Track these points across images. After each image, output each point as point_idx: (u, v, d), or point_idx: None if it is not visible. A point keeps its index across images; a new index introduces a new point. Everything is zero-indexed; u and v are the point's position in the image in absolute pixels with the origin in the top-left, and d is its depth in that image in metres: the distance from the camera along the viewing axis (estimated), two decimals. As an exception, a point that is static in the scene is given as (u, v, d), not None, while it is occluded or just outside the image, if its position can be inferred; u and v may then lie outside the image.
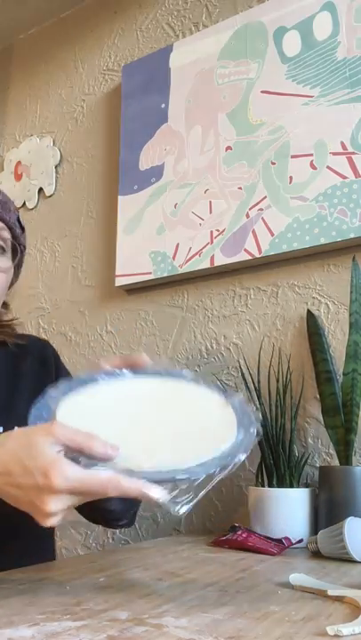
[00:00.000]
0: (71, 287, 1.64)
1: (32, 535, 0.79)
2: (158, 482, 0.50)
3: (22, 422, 0.85)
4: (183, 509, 0.51)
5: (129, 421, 0.60)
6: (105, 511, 0.81)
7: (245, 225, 1.29)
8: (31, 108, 1.91)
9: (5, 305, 0.91)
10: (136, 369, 0.67)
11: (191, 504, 0.51)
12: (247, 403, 0.63)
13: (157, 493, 0.49)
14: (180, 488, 0.51)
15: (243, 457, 0.53)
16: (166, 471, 0.51)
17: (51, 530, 0.91)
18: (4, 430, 0.83)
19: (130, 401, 0.64)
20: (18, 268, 0.89)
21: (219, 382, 1.30)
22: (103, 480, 0.49)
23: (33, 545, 0.83)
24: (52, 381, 0.94)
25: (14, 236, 0.84)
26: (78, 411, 0.59)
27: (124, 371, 0.67)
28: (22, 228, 0.87)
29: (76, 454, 0.50)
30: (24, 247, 0.87)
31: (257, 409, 1.11)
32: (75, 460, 0.50)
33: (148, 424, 0.60)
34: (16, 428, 0.83)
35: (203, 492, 0.52)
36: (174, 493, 0.51)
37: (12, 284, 0.89)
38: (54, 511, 0.48)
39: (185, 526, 1.28)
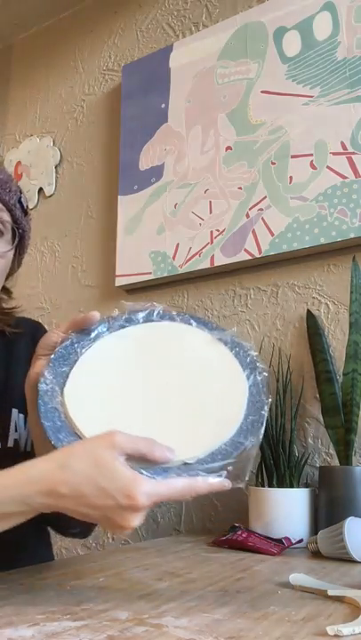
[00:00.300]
0: (71, 287, 1.64)
1: (28, 532, 0.79)
2: (215, 463, 0.52)
3: (19, 403, 0.83)
4: (243, 483, 0.53)
5: (142, 398, 0.59)
6: (54, 518, 0.81)
7: (245, 225, 1.29)
8: (31, 107, 1.91)
9: (7, 291, 0.88)
10: (86, 327, 0.66)
11: (247, 475, 0.53)
12: (239, 338, 0.64)
13: (224, 483, 0.52)
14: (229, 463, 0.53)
15: (267, 406, 0.56)
16: (217, 451, 0.53)
17: (39, 535, 0.90)
18: (1, 413, 0.82)
19: (125, 367, 0.62)
20: (19, 253, 0.85)
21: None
22: (180, 489, 0.50)
23: (29, 542, 0.82)
24: None
25: (14, 219, 0.80)
26: (88, 403, 0.58)
27: (97, 329, 0.65)
28: (25, 211, 0.83)
29: (136, 462, 0.50)
30: (24, 231, 0.83)
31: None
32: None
33: (159, 394, 0.59)
34: (13, 410, 0.82)
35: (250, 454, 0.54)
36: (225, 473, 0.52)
37: (13, 272, 0.86)
38: (135, 525, 0.49)
39: (185, 526, 1.28)
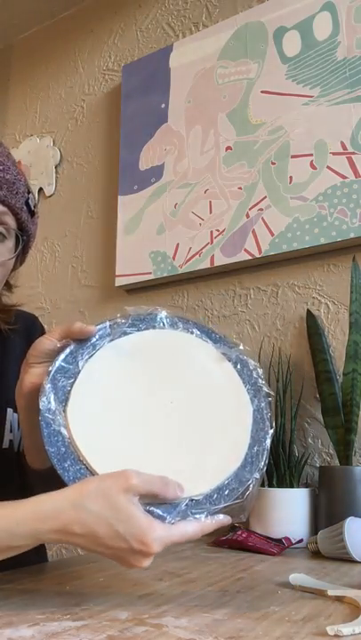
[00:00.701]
0: (71, 287, 1.64)
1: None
2: (221, 504, 0.54)
3: (13, 405, 0.82)
4: (245, 517, 0.55)
5: (146, 421, 0.58)
6: None
7: (245, 225, 1.29)
8: (31, 107, 1.91)
9: (9, 286, 0.85)
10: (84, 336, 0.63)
11: (249, 508, 0.55)
12: (245, 357, 0.63)
13: (227, 520, 0.54)
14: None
15: (269, 436, 0.56)
16: (223, 487, 0.54)
17: None
18: None
19: (128, 384, 0.60)
20: (23, 252, 0.81)
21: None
22: (191, 533, 0.52)
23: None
24: None
25: (20, 223, 0.76)
26: (92, 426, 0.56)
27: (98, 335, 0.63)
28: (32, 212, 0.78)
29: (147, 500, 0.51)
30: (29, 235, 0.79)
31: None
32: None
33: (163, 416, 0.58)
34: (8, 409, 0.80)
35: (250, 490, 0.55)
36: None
37: (15, 268, 0.82)
38: (147, 566, 0.51)
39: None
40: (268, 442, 0.57)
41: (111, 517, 0.49)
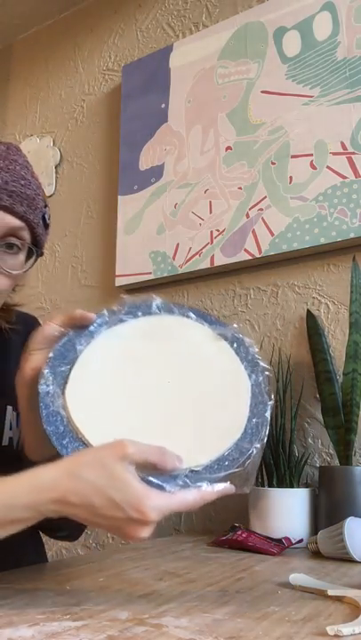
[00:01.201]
0: (71, 287, 1.64)
1: (18, 540, 0.78)
2: (221, 472, 0.53)
3: (13, 402, 0.82)
4: (248, 488, 0.54)
5: (144, 400, 0.59)
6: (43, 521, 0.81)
7: (245, 225, 1.29)
8: (31, 107, 1.91)
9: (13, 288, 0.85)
10: (84, 324, 0.64)
11: (252, 481, 0.54)
12: (240, 334, 0.64)
13: (229, 489, 0.53)
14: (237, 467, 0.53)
15: (269, 408, 0.55)
16: (223, 458, 0.53)
17: (37, 535, 0.89)
18: None
19: (126, 366, 0.61)
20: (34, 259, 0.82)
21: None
22: (190, 502, 0.51)
23: (20, 550, 0.82)
24: None
25: (34, 237, 0.77)
26: (90, 406, 0.57)
27: (95, 324, 0.64)
28: (47, 226, 0.80)
29: (144, 469, 0.51)
30: (41, 248, 0.80)
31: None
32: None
33: (162, 395, 0.59)
34: (8, 407, 0.81)
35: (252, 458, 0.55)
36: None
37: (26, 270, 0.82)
38: (145, 537, 0.49)
39: (185, 526, 1.28)
40: (269, 414, 0.57)
41: (107, 486, 0.48)
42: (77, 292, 1.62)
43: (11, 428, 0.82)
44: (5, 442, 0.81)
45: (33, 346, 0.64)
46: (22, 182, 0.73)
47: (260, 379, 0.60)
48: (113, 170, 1.62)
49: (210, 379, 0.61)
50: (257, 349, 0.63)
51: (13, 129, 1.94)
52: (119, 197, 1.52)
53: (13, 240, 0.73)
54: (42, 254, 0.81)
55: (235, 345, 0.63)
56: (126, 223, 1.49)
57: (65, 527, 0.79)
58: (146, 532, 0.49)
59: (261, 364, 0.61)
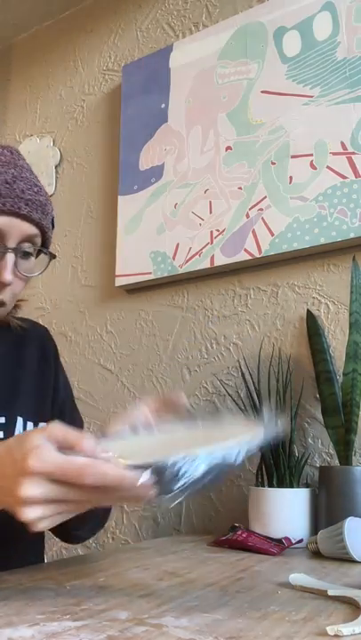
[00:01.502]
0: (71, 287, 1.64)
1: (19, 540, 0.79)
2: (149, 470, 0.46)
3: (24, 412, 0.84)
4: (171, 501, 0.46)
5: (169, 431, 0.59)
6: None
7: (245, 225, 1.29)
8: (31, 108, 1.91)
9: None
10: (175, 411, 0.63)
11: (182, 497, 0.46)
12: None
13: (141, 478, 0.45)
14: (176, 479, 0.46)
15: (244, 454, 0.48)
16: (159, 460, 0.46)
17: (39, 535, 0.90)
18: (7, 420, 0.82)
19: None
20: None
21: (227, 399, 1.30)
22: (80, 464, 0.45)
23: (20, 549, 0.82)
24: (52, 379, 0.94)
25: (45, 240, 0.80)
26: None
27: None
28: (53, 227, 0.83)
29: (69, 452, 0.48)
30: (54, 254, 0.84)
31: (257, 409, 1.11)
32: None
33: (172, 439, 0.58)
34: (19, 418, 0.83)
35: (195, 487, 0.46)
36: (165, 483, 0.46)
37: None
38: (27, 496, 0.45)
39: (185, 526, 1.28)
40: (237, 458, 0.49)
41: (14, 445, 0.49)
42: (77, 292, 1.62)
43: None
44: None
45: (111, 428, 0.63)
46: (35, 189, 0.75)
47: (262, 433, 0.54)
48: (113, 170, 1.62)
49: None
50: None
51: (13, 129, 1.94)
52: (119, 197, 1.52)
53: (28, 245, 0.76)
54: (54, 257, 0.83)
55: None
56: (126, 223, 1.49)
57: (78, 526, 0.80)
58: (26, 487, 0.45)
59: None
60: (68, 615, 0.49)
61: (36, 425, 0.86)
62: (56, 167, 1.77)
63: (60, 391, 0.95)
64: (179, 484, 0.45)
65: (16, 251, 0.75)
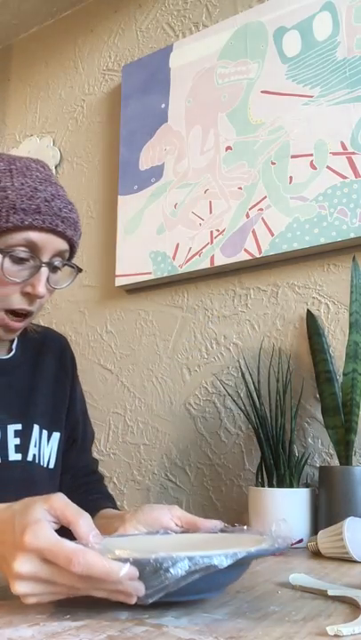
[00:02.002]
0: (71, 287, 1.64)
1: None
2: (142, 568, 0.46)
3: (40, 420, 0.85)
4: (150, 597, 0.46)
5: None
6: None
7: (245, 225, 1.29)
8: (31, 107, 1.91)
9: None
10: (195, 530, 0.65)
11: (161, 594, 0.45)
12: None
13: (122, 570, 0.44)
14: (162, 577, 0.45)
15: (232, 561, 0.47)
16: (143, 556, 0.46)
17: None
18: (23, 427, 0.83)
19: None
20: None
21: (220, 383, 1.30)
22: (69, 550, 0.45)
23: None
24: (68, 389, 0.95)
25: (72, 253, 0.83)
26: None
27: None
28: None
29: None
30: (81, 269, 0.85)
31: (257, 409, 1.11)
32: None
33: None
34: (35, 425, 0.84)
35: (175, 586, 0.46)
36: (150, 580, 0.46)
37: None
38: (19, 572, 0.46)
39: (185, 526, 1.27)
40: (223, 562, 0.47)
41: (17, 514, 0.49)
42: (77, 292, 1.62)
43: (35, 445, 0.85)
44: (30, 457, 0.83)
45: (135, 522, 0.69)
46: (70, 207, 0.79)
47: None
48: (113, 170, 1.62)
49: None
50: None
51: (13, 129, 1.94)
52: (119, 197, 1.52)
53: (59, 260, 0.79)
54: (81, 270, 0.85)
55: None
56: (126, 223, 1.49)
57: None
58: (20, 563, 0.46)
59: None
60: (68, 615, 0.49)
61: (50, 435, 0.88)
62: (56, 167, 1.77)
63: (76, 403, 0.97)
64: (160, 581, 0.45)
65: (49, 265, 0.78)
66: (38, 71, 1.92)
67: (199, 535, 0.65)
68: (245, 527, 0.67)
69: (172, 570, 0.45)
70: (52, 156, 1.78)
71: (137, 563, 0.45)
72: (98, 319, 1.56)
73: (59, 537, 0.47)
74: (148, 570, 0.45)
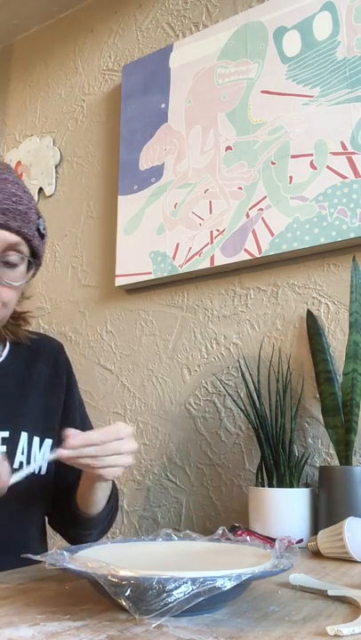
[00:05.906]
0: (71, 287, 1.64)
1: (20, 540, 0.79)
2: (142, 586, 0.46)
3: (30, 428, 0.86)
4: (155, 619, 0.46)
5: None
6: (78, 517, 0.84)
7: (245, 225, 1.29)
8: (31, 107, 1.91)
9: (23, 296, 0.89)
10: None
11: (164, 617, 0.45)
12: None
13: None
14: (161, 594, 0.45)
15: (235, 583, 0.46)
16: (146, 577, 0.46)
17: (41, 535, 0.90)
18: (11, 435, 0.83)
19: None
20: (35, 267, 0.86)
21: (220, 383, 1.30)
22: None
23: (21, 550, 0.83)
24: (63, 395, 0.95)
25: (32, 249, 0.80)
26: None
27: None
28: (43, 236, 0.83)
29: None
30: (40, 259, 0.83)
31: (257, 409, 1.11)
32: None
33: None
34: (23, 433, 0.84)
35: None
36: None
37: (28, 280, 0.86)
38: None
39: (185, 526, 1.28)
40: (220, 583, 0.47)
41: None
42: (77, 292, 1.62)
43: (23, 453, 0.84)
44: (16, 465, 0.83)
45: None
46: (14, 199, 0.76)
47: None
48: (113, 170, 1.62)
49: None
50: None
51: (13, 129, 1.94)
52: (119, 197, 1.52)
53: (12, 254, 0.77)
54: (40, 265, 0.83)
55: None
56: (126, 223, 1.49)
57: (91, 530, 0.85)
58: None
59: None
60: (68, 615, 0.49)
61: (42, 440, 0.88)
62: (56, 167, 1.77)
63: (72, 407, 0.96)
64: (163, 604, 0.45)
65: None
66: (38, 71, 1.92)
67: (200, 543, 0.65)
68: (248, 538, 0.67)
69: (175, 593, 0.44)
70: (52, 156, 1.78)
71: (140, 584, 0.45)
72: (98, 319, 1.56)
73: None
74: (151, 593, 0.45)
